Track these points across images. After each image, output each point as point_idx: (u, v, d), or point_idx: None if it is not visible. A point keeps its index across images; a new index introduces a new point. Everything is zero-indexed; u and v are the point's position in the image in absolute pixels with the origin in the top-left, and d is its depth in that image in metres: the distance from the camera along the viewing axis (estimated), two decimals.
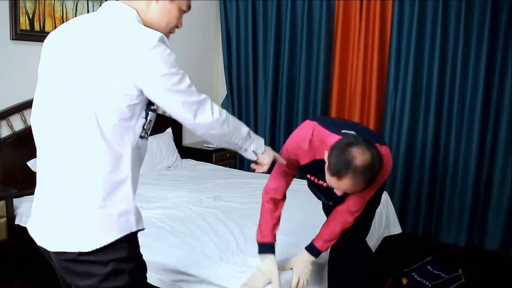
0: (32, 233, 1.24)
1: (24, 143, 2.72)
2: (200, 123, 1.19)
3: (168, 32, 1.30)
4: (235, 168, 4.13)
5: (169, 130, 3.77)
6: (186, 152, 3.89)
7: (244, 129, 1.34)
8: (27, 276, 2.48)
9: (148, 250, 2.00)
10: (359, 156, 1.39)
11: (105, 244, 1.13)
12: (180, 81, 1.14)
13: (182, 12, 1.32)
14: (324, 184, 1.69)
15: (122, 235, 1.16)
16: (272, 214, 1.74)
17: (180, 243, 2.02)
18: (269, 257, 1.70)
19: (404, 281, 2.59)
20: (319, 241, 1.73)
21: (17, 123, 2.73)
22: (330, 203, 1.82)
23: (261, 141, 1.42)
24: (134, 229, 1.19)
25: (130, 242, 1.20)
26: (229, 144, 1.32)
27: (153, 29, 1.16)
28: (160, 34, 1.12)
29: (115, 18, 1.16)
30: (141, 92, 1.12)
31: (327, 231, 1.72)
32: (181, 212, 2.43)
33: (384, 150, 1.55)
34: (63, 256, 1.15)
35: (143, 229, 1.24)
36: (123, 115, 1.12)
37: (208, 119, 1.20)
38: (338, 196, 1.55)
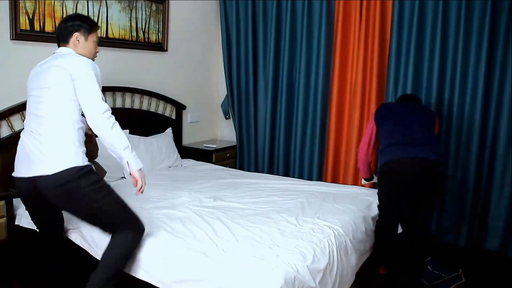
0: (26, 172, 1.91)
1: None
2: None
3: (93, 57, 2.07)
4: (235, 168, 4.13)
5: (169, 130, 3.77)
6: (186, 152, 3.90)
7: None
8: (27, 276, 2.48)
9: (148, 250, 2.01)
10: None
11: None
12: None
13: (96, 43, 2.09)
14: None
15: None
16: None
17: (180, 243, 2.02)
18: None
19: None
20: None
21: (17, 123, 2.73)
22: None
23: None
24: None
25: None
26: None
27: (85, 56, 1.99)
28: (90, 60, 1.95)
29: (65, 54, 1.98)
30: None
31: None
32: (181, 212, 2.43)
33: None
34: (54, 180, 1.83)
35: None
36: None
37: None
38: None
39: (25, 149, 1.92)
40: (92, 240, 2.18)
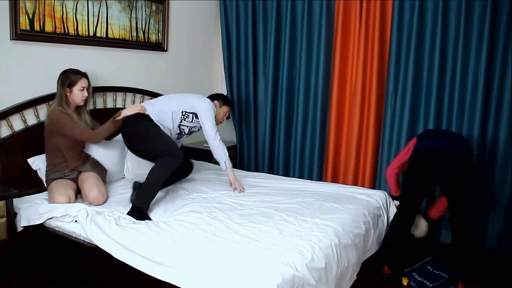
0: None
1: (24, 143, 2.72)
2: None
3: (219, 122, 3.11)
4: (235, 168, 4.12)
5: None
6: (186, 152, 3.88)
7: None
8: (27, 276, 2.48)
9: (149, 248, 2.01)
10: None
11: None
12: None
13: (225, 113, 3.16)
14: None
15: None
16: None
17: (180, 243, 2.03)
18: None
19: (405, 281, 2.59)
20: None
21: (17, 123, 2.73)
22: None
23: None
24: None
25: None
26: None
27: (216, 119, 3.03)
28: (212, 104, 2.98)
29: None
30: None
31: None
32: (180, 212, 2.43)
33: None
34: None
35: None
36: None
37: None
38: None
39: None
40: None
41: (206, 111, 2.87)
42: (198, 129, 3.04)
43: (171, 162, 2.57)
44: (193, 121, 2.93)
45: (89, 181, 2.64)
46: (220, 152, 2.89)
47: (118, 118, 2.65)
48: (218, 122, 3.04)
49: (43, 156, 2.74)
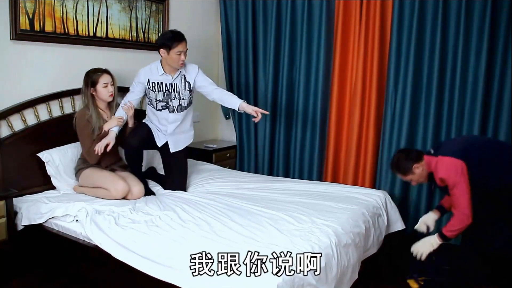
0: None
1: (24, 143, 2.72)
2: None
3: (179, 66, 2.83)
4: (235, 168, 4.13)
5: None
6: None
7: None
8: (27, 276, 2.49)
9: (147, 249, 2.01)
10: None
11: None
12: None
13: (179, 54, 2.73)
14: None
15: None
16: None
17: (180, 243, 2.03)
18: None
19: (412, 283, 2.56)
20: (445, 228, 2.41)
21: (17, 123, 2.73)
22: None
23: None
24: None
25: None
26: None
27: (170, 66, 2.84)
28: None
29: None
30: None
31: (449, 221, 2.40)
32: (180, 213, 2.43)
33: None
34: None
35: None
36: None
37: None
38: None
39: None
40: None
41: None
42: (176, 91, 2.92)
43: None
44: (153, 90, 2.86)
45: (130, 177, 2.74)
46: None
47: (101, 134, 2.71)
48: (178, 66, 2.81)
49: (53, 150, 2.79)
